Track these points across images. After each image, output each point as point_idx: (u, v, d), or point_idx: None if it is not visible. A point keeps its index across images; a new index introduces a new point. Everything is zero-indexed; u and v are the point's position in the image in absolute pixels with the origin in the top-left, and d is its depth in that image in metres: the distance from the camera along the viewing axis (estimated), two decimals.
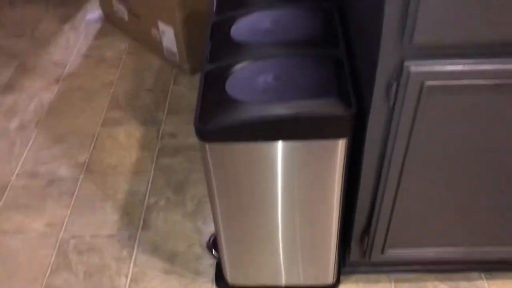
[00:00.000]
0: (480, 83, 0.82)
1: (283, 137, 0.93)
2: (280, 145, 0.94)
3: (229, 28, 1.13)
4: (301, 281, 1.27)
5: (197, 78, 2.02)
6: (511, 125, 0.90)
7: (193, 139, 1.74)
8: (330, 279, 1.27)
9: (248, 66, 1.00)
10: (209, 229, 1.47)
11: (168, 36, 1.98)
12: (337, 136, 0.92)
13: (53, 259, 1.43)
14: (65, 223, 1.53)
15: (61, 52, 2.25)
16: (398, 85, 0.84)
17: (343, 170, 0.99)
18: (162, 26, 1.98)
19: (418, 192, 1.04)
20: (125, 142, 1.78)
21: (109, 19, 2.37)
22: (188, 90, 1.98)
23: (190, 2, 1.83)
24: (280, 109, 0.91)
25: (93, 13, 2.47)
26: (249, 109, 0.92)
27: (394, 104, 0.86)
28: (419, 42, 0.78)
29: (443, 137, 0.92)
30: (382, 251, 1.16)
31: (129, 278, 1.37)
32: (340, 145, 0.94)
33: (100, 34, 2.35)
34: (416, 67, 0.81)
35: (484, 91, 0.84)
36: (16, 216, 1.56)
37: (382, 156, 0.96)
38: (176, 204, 1.56)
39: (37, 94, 2.03)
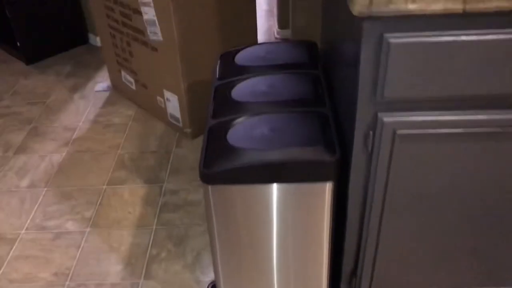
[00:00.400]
0: (444, 132, 0.97)
1: (277, 180, 1.06)
2: (274, 187, 1.07)
3: (230, 90, 1.29)
4: None
5: (198, 142, 2.18)
6: (476, 169, 1.03)
7: (193, 196, 1.88)
8: None
9: (246, 120, 1.15)
10: (207, 279, 1.56)
11: (172, 103, 2.16)
12: (324, 179, 1.06)
13: None
14: (71, 273, 1.61)
15: (71, 118, 2.42)
16: (374, 134, 0.98)
17: (330, 211, 1.11)
18: (167, 94, 2.16)
19: (399, 233, 1.15)
20: (130, 199, 1.89)
21: (117, 89, 2.57)
22: (189, 152, 2.13)
23: (194, 72, 2.03)
24: (273, 156, 1.05)
25: (102, 83, 2.67)
26: (247, 155, 1.05)
27: (372, 150, 1.00)
28: (389, 97, 0.93)
29: (418, 180, 1.05)
30: None
31: None
32: (327, 188, 1.07)
33: (108, 103, 2.53)
34: (388, 118, 0.96)
35: (449, 139, 0.98)
36: (24, 267, 1.64)
37: (364, 198, 1.09)
38: (176, 256, 1.65)
39: (48, 155, 2.17)
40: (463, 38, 0.86)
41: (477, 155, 1.01)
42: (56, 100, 2.58)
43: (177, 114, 2.18)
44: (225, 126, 1.16)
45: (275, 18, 3.13)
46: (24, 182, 2.02)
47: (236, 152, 1.07)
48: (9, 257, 1.68)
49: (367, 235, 1.15)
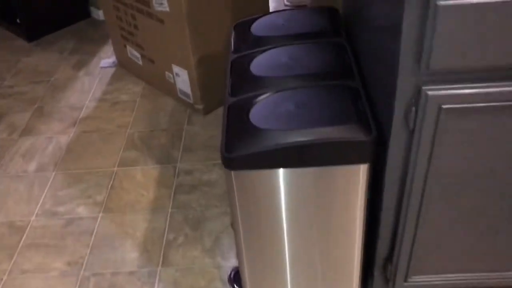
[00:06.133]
0: (495, 105, 0.86)
1: (306, 164, 0.96)
2: (303, 172, 0.97)
3: (248, 64, 1.18)
4: None
5: (210, 118, 2.08)
6: None
7: (209, 176, 1.79)
8: None
9: (269, 97, 1.05)
10: (229, 263, 1.48)
11: (182, 78, 2.05)
12: (358, 161, 0.95)
13: None
14: (85, 261, 1.54)
15: (77, 96, 2.32)
16: (416, 110, 0.87)
17: (365, 195, 1.01)
18: (176, 69, 2.05)
19: (440, 217, 1.05)
20: (143, 181, 1.81)
21: (123, 65, 2.46)
22: (202, 129, 2.02)
23: (204, 45, 1.91)
24: (302, 136, 0.94)
25: (107, 59, 2.56)
26: (272, 137, 0.95)
27: (413, 128, 0.90)
28: (435, 68, 0.82)
29: (463, 160, 0.95)
30: (406, 279, 1.16)
31: None
32: (362, 170, 0.97)
33: (115, 79, 2.42)
34: (433, 91, 0.85)
35: (499, 113, 0.87)
36: (36, 256, 1.57)
37: (403, 181, 0.99)
38: (194, 240, 1.57)
39: (55, 137, 2.08)
40: None
41: None
42: (60, 78, 2.47)
43: (187, 89, 2.07)
44: (246, 104, 1.05)
45: None
46: (32, 166, 1.93)
47: (260, 133, 0.97)
48: (20, 246, 1.61)
49: (405, 221, 1.05)
